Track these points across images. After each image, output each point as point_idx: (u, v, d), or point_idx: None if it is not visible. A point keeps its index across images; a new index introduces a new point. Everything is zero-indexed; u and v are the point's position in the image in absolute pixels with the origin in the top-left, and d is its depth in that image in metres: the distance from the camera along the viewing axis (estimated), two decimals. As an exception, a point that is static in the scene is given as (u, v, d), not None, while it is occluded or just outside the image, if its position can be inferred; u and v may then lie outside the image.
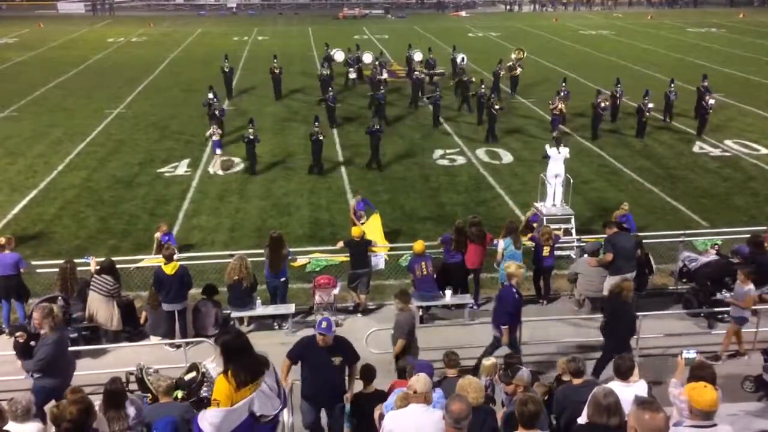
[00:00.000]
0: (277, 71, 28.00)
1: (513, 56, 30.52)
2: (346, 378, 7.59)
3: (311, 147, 18.98)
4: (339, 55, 31.66)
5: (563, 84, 24.02)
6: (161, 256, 10.83)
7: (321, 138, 18.78)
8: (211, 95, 22.30)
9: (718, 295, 10.96)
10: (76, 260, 11.29)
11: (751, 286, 9.75)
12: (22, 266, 11.02)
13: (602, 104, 21.70)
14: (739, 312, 9.81)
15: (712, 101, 22.04)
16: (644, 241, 11.78)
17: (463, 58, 30.06)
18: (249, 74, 32.86)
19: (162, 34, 50.00)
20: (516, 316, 9.33)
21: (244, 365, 5.26)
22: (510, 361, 7.69)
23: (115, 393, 6.41)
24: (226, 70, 28.37)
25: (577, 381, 6.85)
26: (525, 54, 31.91)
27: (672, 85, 23.86)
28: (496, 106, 21.70)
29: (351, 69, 29.96)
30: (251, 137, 18.59)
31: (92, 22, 58.17)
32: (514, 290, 9.28)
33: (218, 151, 19.22)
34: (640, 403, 4.36)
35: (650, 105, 21.65)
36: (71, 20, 58.41)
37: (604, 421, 4.97)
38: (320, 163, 19.09)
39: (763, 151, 21.01)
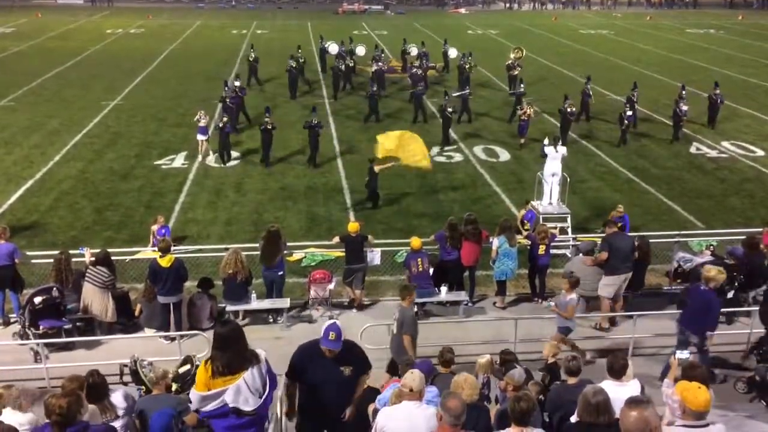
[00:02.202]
0: (301, 60, 28.85)
1: (512, 56, 30.25)
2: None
3: (261, 137, 19.13)
4: (333, 48, 31.66)
5: (588, 85, 23.84)
6: (157, 248, 10.82)
7: (270, 128, 18.84)
8: (237, 83, 23.23)
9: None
10: (71, 251, 11.27)
11: (573, 296, 9.66)
12: (17, 257, 11.00)
13: (569, 109, 20.85)
14: (563, 321, 9.72)
15: (685, 108, 21.52)
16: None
17: (470, 54, 29.74)
18: (247, 66, 32.73)
19: (160, 26, 49.82)
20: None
21: (224, 358, 5.46)
22: (506, 357, 7.71)
23: (93, 386, 6.43)
24: (251, 59, 28.90)
25: (572, 380, 6.86)
26: (524, 53, 31.71)
27: (683, 91, 22.89)
28: (449, 109, 21.12)
29: (341, 61, 29.93)
30: (220, 125, 18.90)
31: (90, 12, 57.93)
32: (715, 294, 8.95)
33: (200, 137, 19.42)
34: (629, 403, 4.40)
35: (629, 113, 21.20)
36: (69, 10, 58.12)
37: (594, 419, 4.99)
38: (268, 157, 19.19)
39: (760, 153, 21.07)
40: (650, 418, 4.31)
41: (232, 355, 5.50)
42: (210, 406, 5.54)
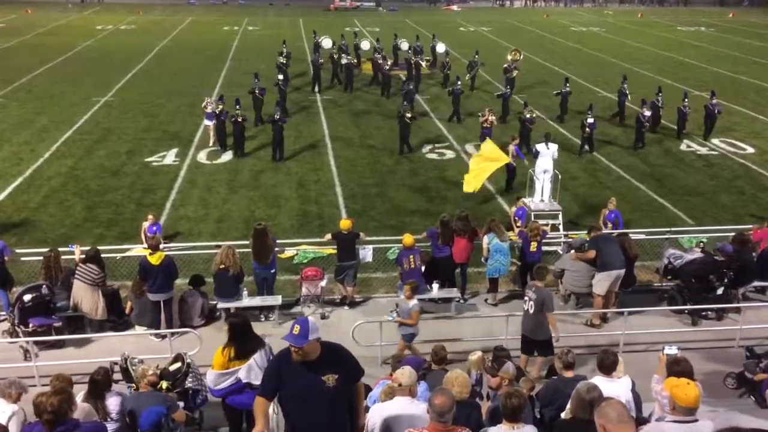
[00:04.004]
0: (335, 56, 28.92)
1: (509, 57, 29.78)
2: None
3: (233, 129, 19.43)
4: (326, 42, 31.49)
5: (625, 84, 23.69)
6: (147, 245, 10.77)
7: (241, 120, 19.13)
8: (281, 77, 23.92)
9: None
10: (60, 249, 11.21)
11: (414, 302, 9.60)
12: (7, 254, 10.95)
13: (527, 115, 20.17)
14: (406, 329, 9.63)
15: (647, 113, 20.94)
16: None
17: (476, 53, 29.50)
18: (241, 63, 32.65)
19: (151, 22, 49.58)
20: None
21: (238, 346, 6.87)
22: (499, 354, 7.72)
23: (96, 383, 6.43)
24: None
25: (568, 374, 6.88)
26: (522, 55, 31.34)
27: (686, 99, 22.24)
28: (408, 115, 19.89)
29: (345, 55, 29.89)
30: (216, 112, 19.47)
31: (81, 8, 57.58)
32: None
33: (206, 123, 20.36)
34: (602, 400, 4.46)
35: (590, 120, 20.19)
36: (59, 6, 57.75)
37: (587, 416, 5.00)
38: (242, 147, 19.55)
39: (750, 150, 21.17)
40: (626, 408, 4.42)
41: (244, 341, 6.89)
42: (226, 383, 6.81)
